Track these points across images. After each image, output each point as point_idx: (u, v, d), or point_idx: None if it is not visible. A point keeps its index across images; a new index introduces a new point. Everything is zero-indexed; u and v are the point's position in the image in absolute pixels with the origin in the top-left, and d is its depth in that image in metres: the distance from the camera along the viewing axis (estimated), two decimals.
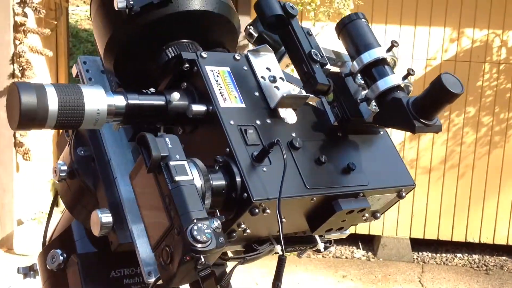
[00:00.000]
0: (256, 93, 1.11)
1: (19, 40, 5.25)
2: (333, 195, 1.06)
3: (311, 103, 1.17)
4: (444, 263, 5.98)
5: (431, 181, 5.87)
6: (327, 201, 1.06)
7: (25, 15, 5.25)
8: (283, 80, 1.13)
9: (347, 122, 1.12)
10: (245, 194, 0.97)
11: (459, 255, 6.06)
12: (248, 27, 1.22)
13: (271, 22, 1.08)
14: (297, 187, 1.02)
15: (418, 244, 6.06)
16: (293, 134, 1.08)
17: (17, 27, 5.24)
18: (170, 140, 0.94)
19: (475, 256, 6.02)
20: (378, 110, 1.09)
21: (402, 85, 1.06)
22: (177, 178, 0.91)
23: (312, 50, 1.07)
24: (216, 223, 0.91)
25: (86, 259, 1.22)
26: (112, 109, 1.02)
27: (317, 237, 1.19)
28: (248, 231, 1.02)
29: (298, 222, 1.10)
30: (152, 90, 1.09)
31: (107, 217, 1.09)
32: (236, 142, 1.01)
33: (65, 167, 1.19)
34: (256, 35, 1.20)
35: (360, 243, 6.12)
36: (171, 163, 0.92)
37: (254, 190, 0.97)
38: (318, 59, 1.06)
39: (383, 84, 1.06)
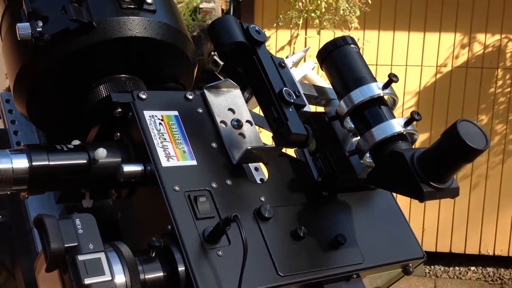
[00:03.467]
0: (214, 144, 0.85)
1: None
2: (317, 281, 0.80)
3: (289, 152, 0.91)
4: (457, 277, 5.82)
5: None
6: None
7: None
8: (251, 124, 0.88)
9: (334, 179, 0.86)
10: None
11: (472, 268, 5.92)
12: (212, 53, 0.95)
13: (231, 52, 0.82)
14: (266, 276, 0.77)
15: (430, 257, 5.86)
16: (262, 199, 0.83)
17: None
18: (81, 223, 0.68)
19: (490, 269, 5.90)
20: (373, 165, 0.83)
21: (405, 133, 0.80)
22: (87, 281, 0.65)
23: (284, 88, 0.81)
24: None
25: None
26: (9, 175, 0.76)
27: None
28: None
29: None
30: (76, 142, 0.83)
31: None
32: (180, 217, 0.75)
33: None
34: (222, 63, 0.94)
35: None
36: (80, 258, 0.66)
37: (204, 285, 0.71)
38: (292, 100, 0.80)
39: (380, 132, 0.80)
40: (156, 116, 0.83)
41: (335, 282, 0.82)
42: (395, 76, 0.82)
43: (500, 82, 5.48)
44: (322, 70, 0.89)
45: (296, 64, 1.04)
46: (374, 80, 0.85)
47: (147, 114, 0.83)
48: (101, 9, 0.84)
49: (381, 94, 0.83)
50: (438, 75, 5.47)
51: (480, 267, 5.85)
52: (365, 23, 5.59)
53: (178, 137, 0.83)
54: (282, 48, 5.75)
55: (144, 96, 0.84)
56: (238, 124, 0.88)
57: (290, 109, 0.80)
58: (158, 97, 0.86)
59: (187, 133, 0.84)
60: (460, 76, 5.42)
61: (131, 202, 0.85)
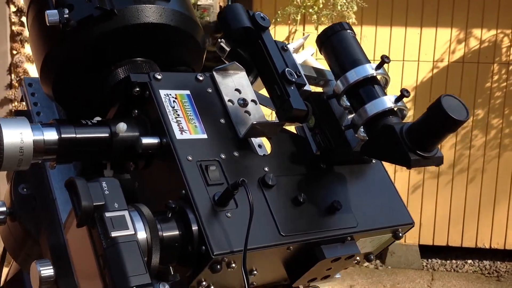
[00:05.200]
0: (222, 120, 0.93)
1: (16, 50, 5.16)
2: (315, 241, 0.88)
3: (290, 129, 0.99)
4: (454, 270, 5.85)
5: (440, 186, 5.75)
6: (308, 248, 0.89)
7: (22, 24, 5.14)
8: (255, 103, 0.96)
9: (331, 153, 0.95)
10: (203, 248, 0.79)
11: (469, 261, 5.94)
12: (219, 40, 1.03)
13: (238, 36, 0.90)
14: (269, 235, 0.85)
15: (427, 251, 5.92)
16: (266, 169, 0.91)
17: (13, 36, 5.13)
18: (107, 185, 0.77)
19: (486, 262, 5.88)
20: (366, 138, 0.91)
21: (395, 109, 0.89)
22: (114, 234, 0.73)
23: (287, 69, 0.89)
24: None
25: None
26: (41, 145, 0.85)
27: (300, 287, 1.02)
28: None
29: (276, 271, 0.92)
30: (98, 119, 0.91)
31: (48, 271, 0.91)
32: (193, 183, 0.83)
33: (4, 208, 1.01)
34: (228, 49, 1.01)
35: None
36: (107, 214, 0.74)
37: (214, 242, 0.79)
38: (294, 80, 0.89)
39: (372, 107, 0.89)
40: (170, 94, 0.91)
41: (331, 243, 0.91)
42: (387, 57, 0.90)
43: (496, 77, 5.50)
44: (321, 53, 0.97)
45: (296, 50, 1.12)
46: (368, 61, 0.92)
47: (162, 92, 0.91)
48: None
49: (374, 74, 0.91)
50: (435, 70, 5.50)
51: (477, 260, 5.83)
52: (363, 19, 5.65)
53: (190, 113, 0.91)
54: None
55: (159, 77, 0.92)
56: (244, 103, 0.96)
57: (292, 88, 0.88)
58: (172, 78, 0.94)
59: (198, 110, 0.92)
60: (456, 71, 5.45)
61: (148, 172, 0.93)
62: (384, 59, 0.90)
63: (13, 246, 1.07)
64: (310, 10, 5.16)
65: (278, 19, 5.27)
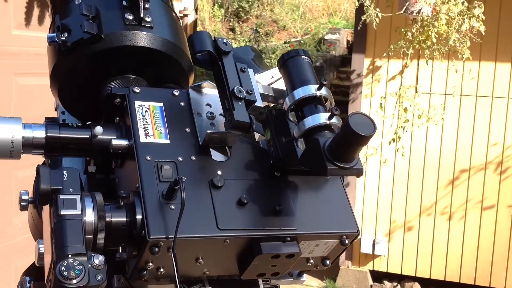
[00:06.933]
0: (188, 129, 1.08)
1: None
2: (254, 237, 1.00)
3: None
4: None
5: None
6: (249, 244, 1.01)
7: None
8: (223, 117, 1.10)
9: (281, 162, 1.07)
10: (143, 232, 0.95)
11: None
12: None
13: (200, 58, 1.06)
14: (207, 228, 0.98)
15: None
16: (219, 172, 1.05)
17: None
18: (67, 173, 0.95)
19: None
20: None
21: (331, 125, 0.99)
22: (62, 212, 0.91)
23: (236, 87, 1.03)
24: (97, 260, 0.90)
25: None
26: (29, 141, 1.05)
27: (260, 281, 1.13)
28: (162, 270, 0.99)
29: (229, 264, 1.05)
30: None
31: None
32: (146, 178, 0.99)
33: (26, 197, 1.23)
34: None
35: None
36: (61, 196, 0.92)
37: (153, 227, 0.94)
38: (242, 96, 1.02)
39: (309, 121, 1.00)
40: (144, 105, 1.08)
41: (271, 242, 1.02)
42: (324, 79, 1.01)
43: None
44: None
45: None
46: (316, 83, 1.03)
47: (137, 103, 1.08)
48: (110, 24, 1.13)
49: (317, 94, 1.02)
50: None
51: None
52: (481, 54, 5.56)
53: (159, 122, 1.07)
54: (394, 77, 5.83)
55: (137, 91, 1.09)
56: (211, 116, 1.10)
57: (240, 103, 1.02)
58: (149, 92, 1.11)
59: (167, 119, 1.08)
60: None
61: (123, 170, 1.10)
62: (322, 81, 1.01)
63: (34, 232, 1.29)
64: (423, 44, 5.17)
65: (390, 53, 5.33)
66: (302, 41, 11.90)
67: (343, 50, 10.45)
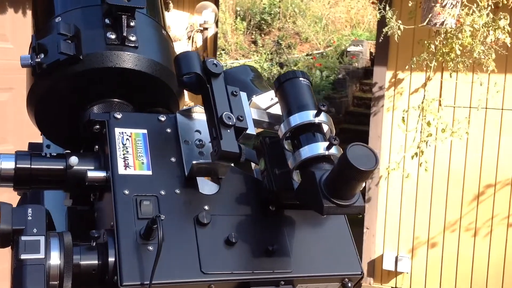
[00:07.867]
0: (173, 159, 0.98)
1: None
2: (242, 281, 0.90)
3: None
4: None
5: None
6: None
7: None
8: None
9: (276, 195, 0.96)
10: (115, 277, 0.85)
11: None
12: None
13: (187, 81, 0.95)
14: (188, 271, 0.88)
15: None
16: (206, 207, 0.94)
17: None
18: (32, 212, 0.85)
19: None
20: None
21: (330, 155, 0.88)
22: (23, 256, 0.82)
23: (225, 113, 0.92)
24: None
25: None
26: None
27: None
28: None
29: None
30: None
31: None
32: (123, 215, 0.89)
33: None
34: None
35: None
36: (23, 238, 0.83)
37: (127, 272, 0.84)
38: (231, 123, 0.91)
39: (306, 152, 0.89)
40: (125, 132, 0.98)
41: (263, 286, 0.91)
42: (323, 105, 0.91)
43: None
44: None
45: None
46: (315, 108, 0.92)
47: (117, 130, 0.98)
48: (90, 44, 1.03)
49: (315, 121, 0.91)
50: None
51: None
52: (507, 66, 5.40)
53: (141, 151, 0.97)
54: (416, 90, 5.69)
55: (119, 116, 1.00)
56: (200, 144, 1.01)
57: (228, 131, 0.91)
58: (132, 118, 1.01)
59: (151, 148, 0.98)
60: None
61: (101, 203, 1.00)
62: (320, 107, 0.90)
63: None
64: (446, 57, 5.03)
65: (413, 66, 5.20)
66: (324, 53, 11.78)
67: (366, 62, 10.33)
